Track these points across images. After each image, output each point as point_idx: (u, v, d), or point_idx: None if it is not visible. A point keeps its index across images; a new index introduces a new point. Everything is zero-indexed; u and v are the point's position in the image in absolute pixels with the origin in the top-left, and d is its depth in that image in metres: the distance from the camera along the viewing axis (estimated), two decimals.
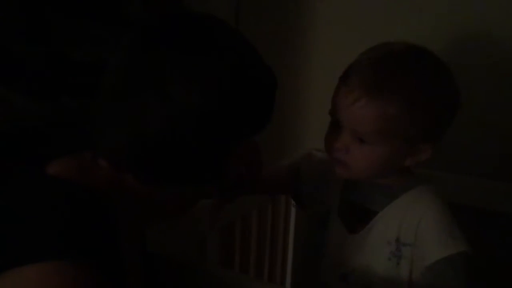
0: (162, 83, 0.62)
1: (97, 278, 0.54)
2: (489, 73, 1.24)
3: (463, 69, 1.20)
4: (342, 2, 1.38)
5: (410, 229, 0.83)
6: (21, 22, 0.99)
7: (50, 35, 1.04)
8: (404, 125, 0.77)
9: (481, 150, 1.26)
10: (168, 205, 0.74)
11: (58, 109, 1.05)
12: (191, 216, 0.95)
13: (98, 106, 0.67)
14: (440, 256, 0.80)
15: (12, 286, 0.52)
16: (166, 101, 0.61)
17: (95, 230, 0.58)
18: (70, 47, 1.06)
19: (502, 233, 1.22)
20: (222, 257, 1.25)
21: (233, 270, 1.27)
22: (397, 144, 0.79)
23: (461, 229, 0.82)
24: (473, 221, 1.10)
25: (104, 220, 0.60)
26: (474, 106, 1.23)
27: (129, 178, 0.67)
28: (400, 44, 0.81)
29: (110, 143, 0.65)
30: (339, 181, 0.92)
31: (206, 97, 0.62)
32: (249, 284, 0.87)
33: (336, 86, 0.82)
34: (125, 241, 0.63)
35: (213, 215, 0.92)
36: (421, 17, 1.26)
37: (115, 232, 0.61)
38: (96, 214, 0.60)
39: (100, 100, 0.66)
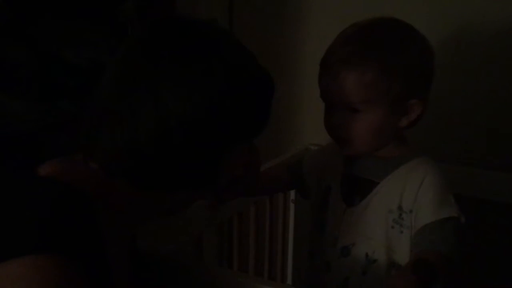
0: (154, 90, 0.62)
1: (77, 272, 0.55)
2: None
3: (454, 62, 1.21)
4: None
5: (411, 195, 0.85)
6: (16, 25, 0.99)
7: (45, 38, 1.04)
8: (384, 87, 0.82)
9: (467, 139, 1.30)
10: (161, 206, 0.73)
11: (54, 112, 1.05)
12: (186, 214, 0.94)
13: (91, 110, 0.67)
14: (431, 220, 0.83)
15: None
16: (157, 108, 0.62)
17: (76, 226, 0.58)
18: (65, 50, 1.06)
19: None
20: (220, 255, 1.24)
21: (232, 268, 1.26)
22: (386, 105, 0.84)
23: (455, 197, 0.85)
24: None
25: (86, 217, 0.60)
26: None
27: (121, 181, 0.66)
28: (367, 20, 0.88)
29: (102, 147, 0.65)
30: (340, 159, 0.95)
31: (198, 104, 0.63)
32: (249, 282, 0.86)
33: (319, 71, 0.88)
34: (112, 240, 0.63)
35: (209, 214, 0.92)
36: (418, 13, 1.26)
37: (97, 230, 0.61)
38: (78, 210, 0.60)
39: (94, 104, 0.67)
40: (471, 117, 1.29)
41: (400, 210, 0.86)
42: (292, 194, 1.39)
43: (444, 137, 1.32)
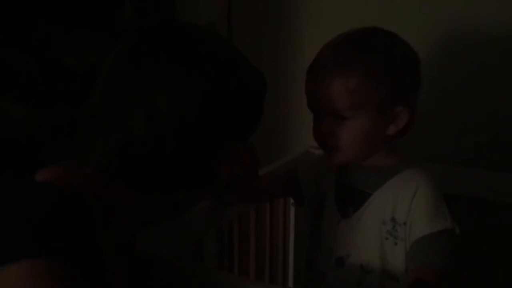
0: (146, 92, 0.63)
1: (74, 277, 0.54)
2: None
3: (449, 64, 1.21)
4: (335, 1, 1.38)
5: (404, 207, 0.85)
6: (14, 31, 0.99)
7: (44, 43, 1.04)
8: (370, 92, 0.82)
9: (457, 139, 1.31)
10: (159, 209, 0.73)
11: (52, 117, 1.05)
12: (187, 217, 0.94)
13: (86, 115, 0.67)
14: (426, 232, 0.82)
15: None
16: (150, 111, 0.62)
17: (74, 230, 0.58)
18: (63, 55, 1.06)
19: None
20: (220, 259, 1.24)
21: (232, 272, 1.26)
22: (373, 112, 0.83)
23: (448, 208, 0.85)
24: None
25: (84, 221, 0.60)
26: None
27: (117, 186, 0.67)
28: (354, 29, 0.88)
29: (97, 151, 0.65)
30: (334, 169, 0.95)
31: (190, 105, 0.63)
32: (249, 286, 0.85)
33: (306, 79, 0.88)
34: (111, 245, 0.64)
35: (210, 216, 0.92)
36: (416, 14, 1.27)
37: (95, 234, 0.60)
38: (76, 215, 0.60)
39: (89, 109, 0.67)
40: (471, 117, 1.29)
41: (394, 221, 0.86)
42: None
43: (444, 137, 1.32)
